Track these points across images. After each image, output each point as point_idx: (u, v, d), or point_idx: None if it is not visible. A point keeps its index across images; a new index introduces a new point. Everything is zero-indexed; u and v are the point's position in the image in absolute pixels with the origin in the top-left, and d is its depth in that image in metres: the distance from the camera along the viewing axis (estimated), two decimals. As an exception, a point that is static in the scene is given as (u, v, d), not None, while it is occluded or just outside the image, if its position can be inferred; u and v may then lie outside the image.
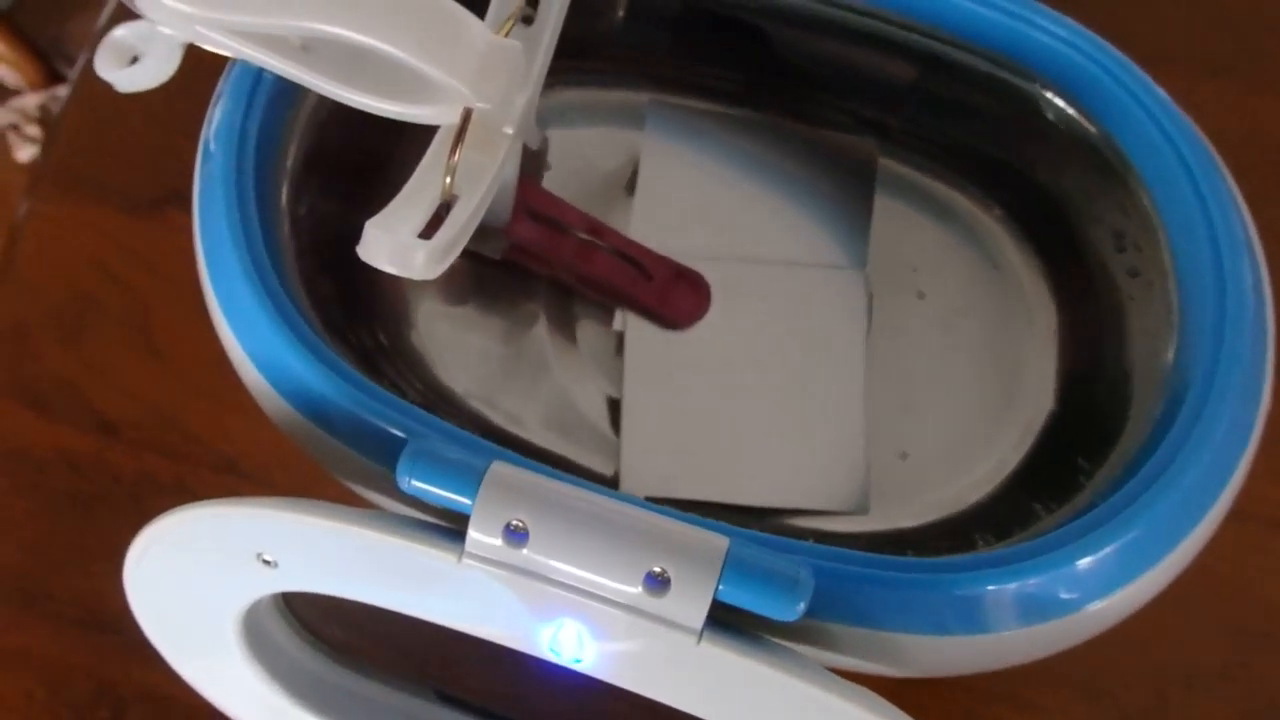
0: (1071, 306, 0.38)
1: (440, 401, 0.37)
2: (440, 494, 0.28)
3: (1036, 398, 0.37)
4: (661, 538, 0.28)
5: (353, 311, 0.36)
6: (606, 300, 0.38)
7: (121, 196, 0.49)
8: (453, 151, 0.30)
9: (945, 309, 0.39)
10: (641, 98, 0.41)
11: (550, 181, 0.39)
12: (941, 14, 0.35)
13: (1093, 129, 0.35)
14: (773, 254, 0.39)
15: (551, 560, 0.28)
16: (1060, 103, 0.35)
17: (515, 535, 0.28)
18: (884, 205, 0.40)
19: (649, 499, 0.36)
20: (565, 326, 0.39)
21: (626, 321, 0.38)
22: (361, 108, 0.30)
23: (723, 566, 0.27)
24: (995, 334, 0.38)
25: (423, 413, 0.31)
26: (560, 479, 0.30)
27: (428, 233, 0.29)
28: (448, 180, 0.30)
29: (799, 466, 0.37)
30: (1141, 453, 0.32)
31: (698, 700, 0.29)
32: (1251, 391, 0.32)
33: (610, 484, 0.37)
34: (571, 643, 0.29)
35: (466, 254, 0.38)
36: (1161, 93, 0.33)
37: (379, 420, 0.30)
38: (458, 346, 0.38)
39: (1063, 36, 0.34)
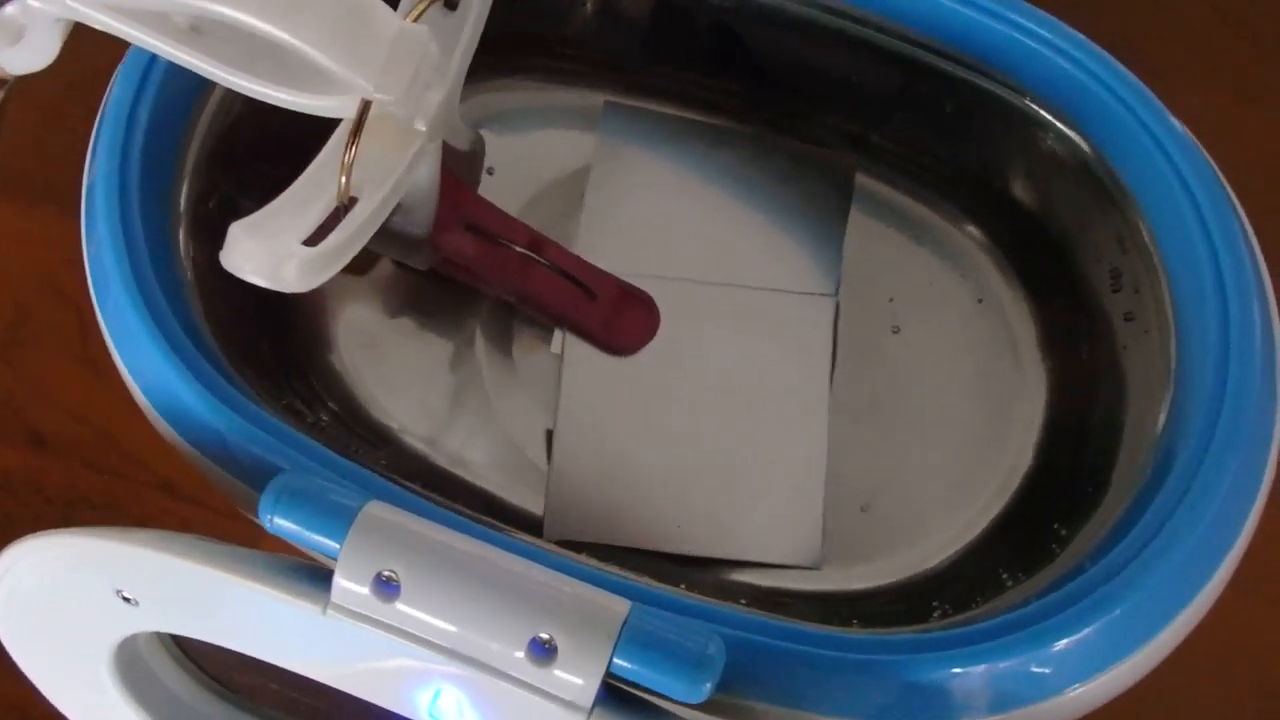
0: (1060, 351, 0.34)
1: (374, 436, 0.34)
2: (306, 535, 0.25)
3: (1015, 452, 0.33)
4: (551, 600, 0.24)
5: (267, 326, 0.33)
6: (546, 320, 0.35)
7: (63, 200, 0.47)
8: (348, 147, 0.26)
9: (922, 346, 0.35)
10: (601, 100, 0.37)
11: (495, 189, 0.36)
12: (923, 15, 0.32)
13: (1088, 149, 0.31)
14: (732, 276, 0.35)
15: (425, 617, 0.25)
16: (1052, 119, 0.31)
17: (386, 586, 0.25)
18: (860, 227, 0.36)
19: (575, 545, 0.32)
20: (504, 347, 0.35)
21: (566, 344, 0.34)
22: (254, 95, 0.27)
23: (618, 636, 0.24)
24: (975, 378, 0.34)
25: (307, 441, 0.27)
26: (452, 523, 0.26)
27: (319, 238, 0.26)
28: (344, 180, 0.27)
29: (748, 514, 0.33)
30: (1127, 519, 0.28)
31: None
32: (1256, 454, 0.28)
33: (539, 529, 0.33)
34: (452, 711, 0.26)
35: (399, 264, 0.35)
36: (1165, 111, 0.29)
37: (253, 447, 0.27)
38: (390, 372, 0.35)
39: (1052, 42, 0.30)
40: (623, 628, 0.24)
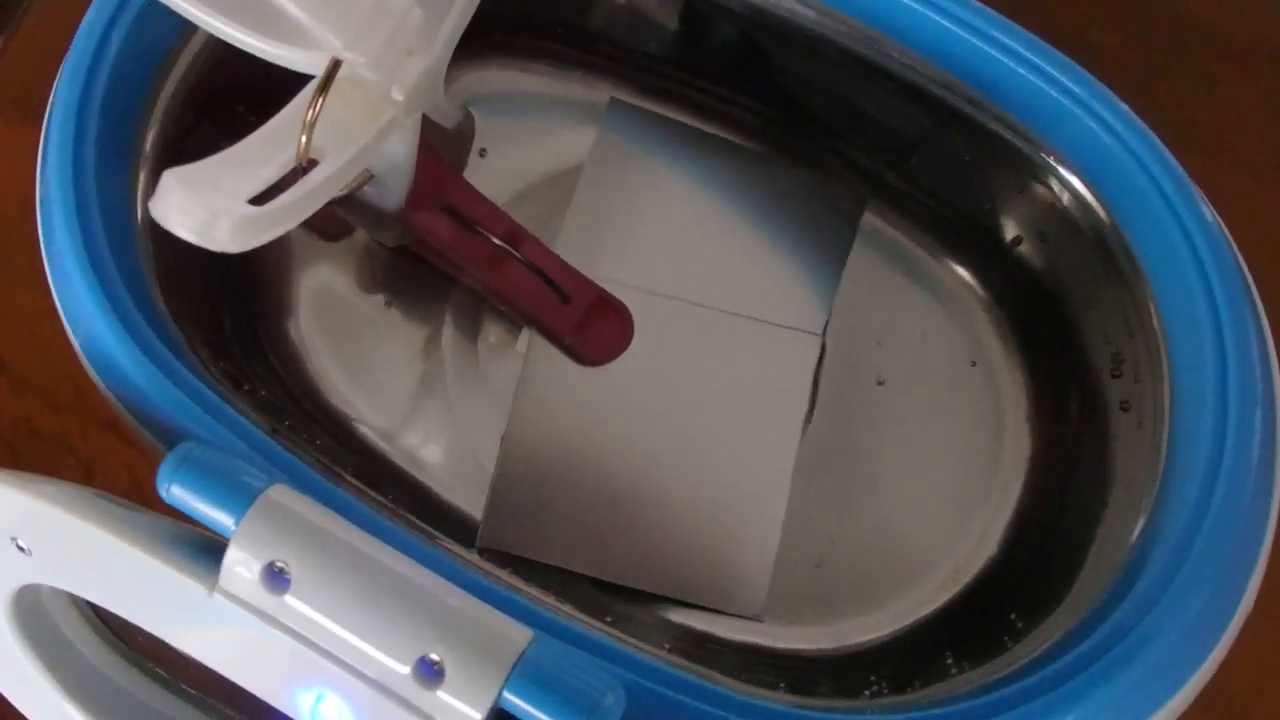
0: (1047, 432, 0.32)
1: (319, 414, 0.32)
2: (201, 509, 0.23)
3: (980, 534, 0.31)
4: (449, 619, 0.23)
5: (224, 284, 0.32)
6: (516, 317, 0.33)
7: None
8: (311, 105, 0.25)
9: (905, 405, 0.33)
10: (607, 96, 0.35)
11: (486, 173, 0.34)
12: (958, 58, 0.30)
13: (1107, 221, 0.29)
14: (717, 299, 0.33)
15: (313, 616, 0.23)
16: (1076, 182, 0.29)
17: (276, 578, 0.23)
18: (858, 265, 0.34)
19: (508, 558, 0.30)
20: (472, 340, 0.33)
21: (531, 345, 0.33)
22: (226, 39, 0.25)
23: (512, 669, 0.22)
24: (954, 448, 0.32)
25: (230, 411, 0.26)
26: (367, 521, 0.25)
27: (269, 198, 0.25)
28: (303, 139, 0.25)
29: (695, 553, 0.31)
30: (1088, 624, 0.26)
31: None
32: (1233, 577, 0.26)
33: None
34: (336, 715, 0.24)
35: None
36: (1197, 197, 0.27)
37: (169, 407, 0.25)
38: (350, 352, 0.33)
39: (1091, 107, 0.28)
40: (518, 660, 0.22)
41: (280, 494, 0.23)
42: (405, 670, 0.22)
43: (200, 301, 0.30)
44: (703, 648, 0.30)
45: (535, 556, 0.30)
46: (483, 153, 0.35)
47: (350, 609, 0.23)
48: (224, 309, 0.31)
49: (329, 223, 0.33)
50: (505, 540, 0.31)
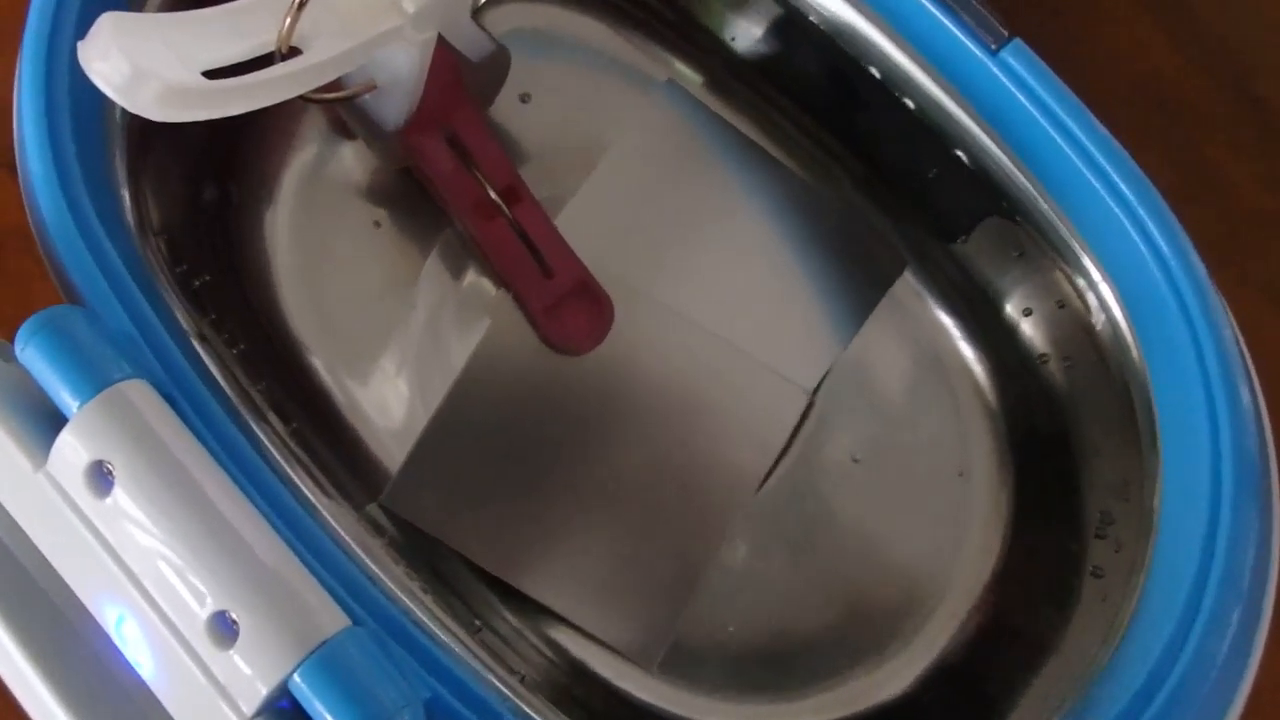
0: (1009, 571, 0.28)
1: (265, 324, 0.30)
2: (48, 379, 0.21)
3: (898, 668, 0.28)
4: (261, 580, 0.20)
5: (208, 154, 0.29)
6: (494, 277, 0.30)
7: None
8: (303, -9, 0.23)
9: (876, 488, 0.30)
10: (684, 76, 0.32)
11: (520, 117, 0.32)
12: (1043, 158, 0.27)
13: (1136, 359, 0.25)
14: (713, 321, 0.30)
15: (126, 530, 0.21)
16: (1121, 321, 0.26)
17: (101, 478, 0.21)
18: (873, 331, 0.31)
19: (407, 527, 0.28)
20: (450, 287, 0.30)
21: (500, 309, 0.30)
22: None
23: (310, 653, 0.20)
24: (910, 554, 0.29)
25: (125, 277, 0.23)
26: (232, 448, 0.23)
27: (232, 74, 0.22)
28: (287, 21, 0.23)
29: (604, 581, 0.28)
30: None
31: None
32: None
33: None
34: (133, 641, 0.22)
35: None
36: (1240, 367, 0.24)
37: (68, 256, 0.23)
38: (318, 268, 0.30)
39: (1158, 248, 0.25)
40: (320, 646, 0.20)
41: (136, 391, 0.21)
42: (201, 618, 0.20)
43: (170, 166, 0.28)
44: (573, 679, 0.27)
45: (434, 533, 0.28)
46: (525, 97, 0.32)
47: (164, 536, 0.20)
48: (201, 180, 0.29)
49: (341, 125, 0.31)
50: (409, 506, 0.28)
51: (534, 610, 0.28)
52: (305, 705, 0.20)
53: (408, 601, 0.24)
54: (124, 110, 0.26)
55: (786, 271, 0.31)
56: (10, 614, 0.24)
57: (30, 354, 0.21)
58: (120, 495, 0.21)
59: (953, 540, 0.29)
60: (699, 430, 0.30)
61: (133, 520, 0.21)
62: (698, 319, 0.30)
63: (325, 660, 0.20)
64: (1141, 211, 0.25)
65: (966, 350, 0.31)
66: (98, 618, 0.22)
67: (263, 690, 0.20)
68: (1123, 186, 0.25)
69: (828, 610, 0.29)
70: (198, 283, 0.28)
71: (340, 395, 0.29)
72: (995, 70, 0.27)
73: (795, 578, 0.29)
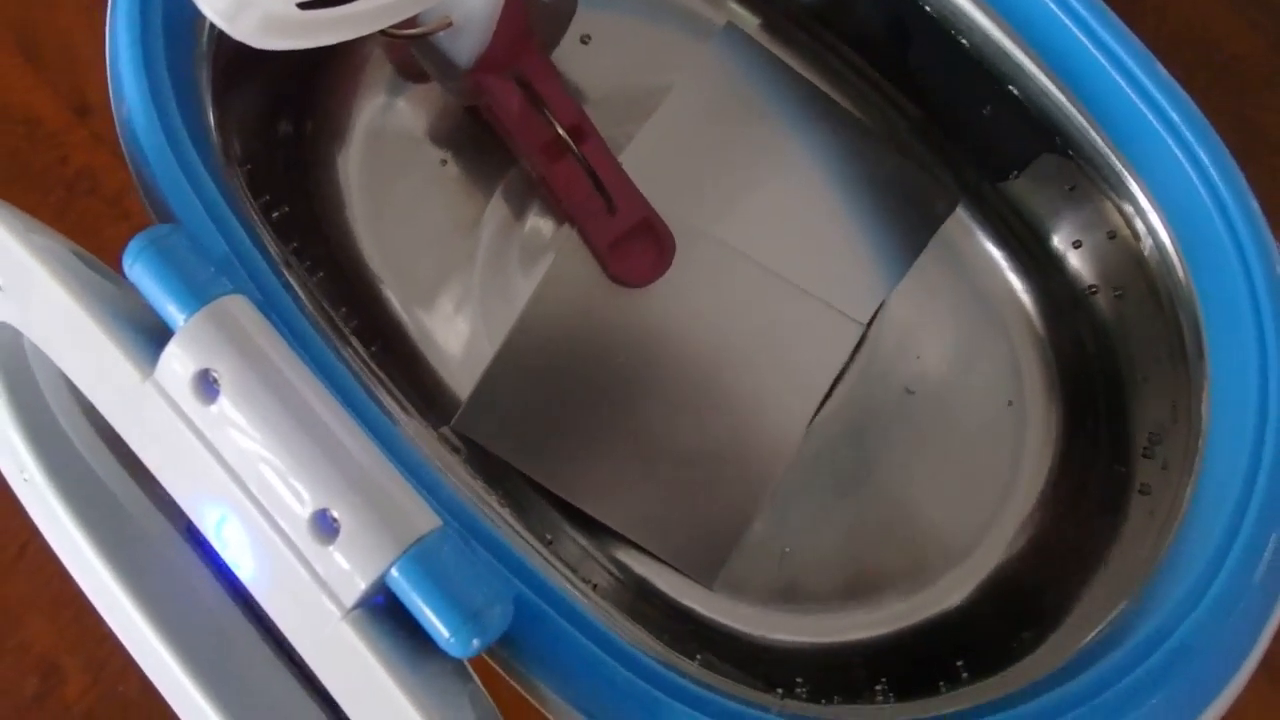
0: (1059, 493, 0.29)
1: (337, 248, 0.31)
2: (155, 295, 0.22)
3: (957, 580, 0.29)
4: (360, 481, 0.22)
5: (283, 101, 0.31)
6: (559, 213, 0.31)
7: None
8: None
9: (928, 419, 0.31)
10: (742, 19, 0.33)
11: (579, 60, 0.33)
12: (1105, 99, 0.27)
13: (1183, 281, 0.26)
14: (770, 259, 0.31)
15: (231, 435, 0.22)
16: (1162, 233, 0.27)
17: (207, 386, 0.22)
18: (925, 266, 0.32)
19: (479, 451, 0.29)
20: (513, 223, 0.32)
21: (566, 243, 0.31)
22: None
23: (407, 549, 0.21)
24: (961, 482, 0.30)
25: (220, 202, 0.25)
26: (323, 362, 0.24)
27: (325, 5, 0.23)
28: (376, -41, 0.24)
29: (667, 504, 0.30)
30: (1029, 691, 0.24)
31: (331, 675, 0.23)
32: (1202, 684, 0.23)
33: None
34: (234, 542, 0.23)
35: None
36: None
37: (164, 183, 0.24)
38: (392, 203, 0.32)
39: (1219, 194, 0.25)
40: (415, 543, 0.21)
41: (237, 306, 0.23)
42: (304, 517, 0.22)
43: (251, 103, 0.29)
44: (636, 595, 0.28)
45: (503, 455, 0.29)
46: (585, 39, 0.33)
47: (268, 440, 0.22)
48: (278, 119, 0.31)
49: (411, 63, 0.32)
50: (479, 430, 0.29)
51: (599, 529, 0.30)
52: (403, 598, 0.21)
53: (486, 512, 0.25)
54: (212, 45, 0.28)
55: (841, 210, 0.32)
56: (91, 528, 0.25)
57: (138, 270, 0.22)
58: (225, 402, 0.22)
59: (1005, 464, 0.30)
60: (756, 361, 0.31)
61: (237, 426, 0.22)
62: (754, 256, 0.31)
63: (421, 556, 0.21)
64: (1190, 136, 0.26)
65: (1016, 283, 0.32)
66: (197, 522, 0.24)
67: (362, 585, 0.21)
68: (1173, 114, 0.26)
69: (883, 532, 0.30)
70: (277, 214, 0.29)
71: (412, 325, 0.31)
72: (1051, 4, 0.28)
73: (851, 501, 0.30)
